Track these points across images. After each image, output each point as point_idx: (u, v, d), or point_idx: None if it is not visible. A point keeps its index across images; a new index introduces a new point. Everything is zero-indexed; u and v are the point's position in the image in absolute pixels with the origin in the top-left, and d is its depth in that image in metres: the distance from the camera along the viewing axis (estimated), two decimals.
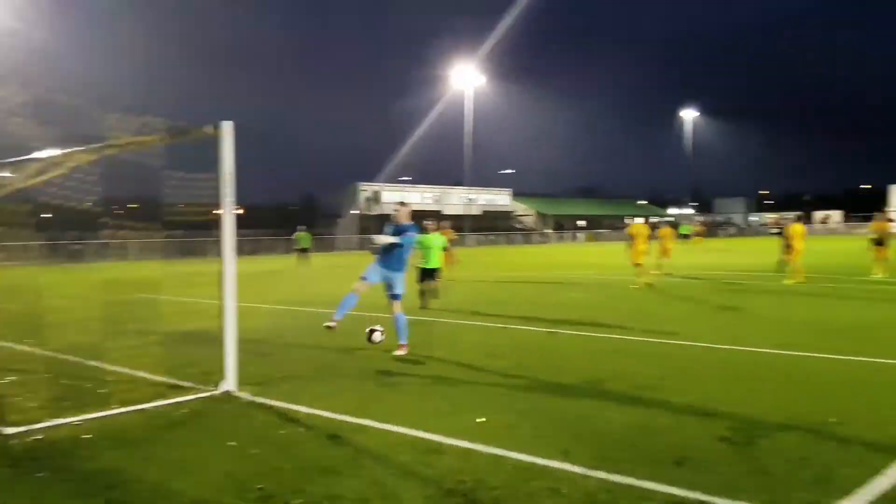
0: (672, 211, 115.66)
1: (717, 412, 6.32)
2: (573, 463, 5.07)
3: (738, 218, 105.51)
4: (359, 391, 7.55)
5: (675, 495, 4.43)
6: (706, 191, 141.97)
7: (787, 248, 19.91)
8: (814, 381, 7.55)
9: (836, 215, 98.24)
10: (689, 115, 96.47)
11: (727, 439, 5.53)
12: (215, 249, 7.83)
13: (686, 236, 52.84)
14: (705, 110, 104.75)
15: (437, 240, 15.39)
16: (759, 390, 7.17)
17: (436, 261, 15.10)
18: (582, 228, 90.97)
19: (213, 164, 7.35)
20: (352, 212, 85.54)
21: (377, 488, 4.72)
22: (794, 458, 5.06)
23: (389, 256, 9.61)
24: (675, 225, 50.52)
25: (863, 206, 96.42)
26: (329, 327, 9.56)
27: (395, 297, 9.64)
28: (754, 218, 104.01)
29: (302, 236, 37.31)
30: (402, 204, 10.23)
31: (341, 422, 6.35)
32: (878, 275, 19.68)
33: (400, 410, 6.68)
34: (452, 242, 24.14)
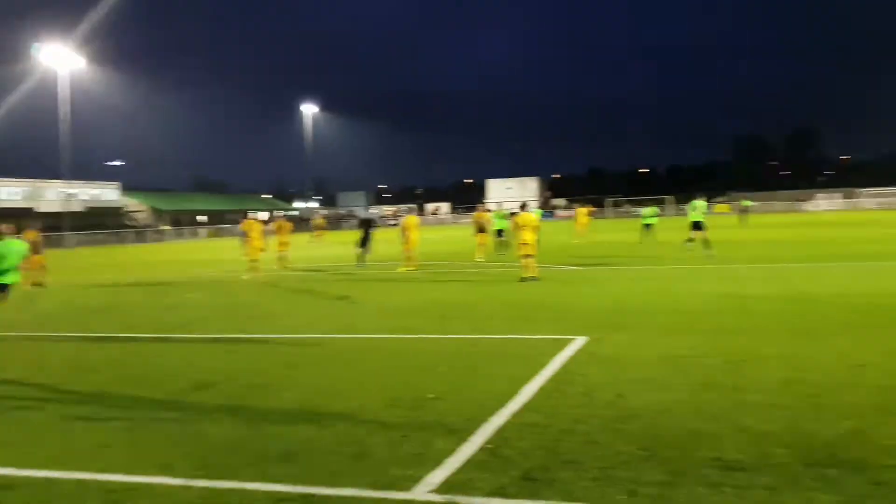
0: (298, 205, 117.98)
1: (326, 403, 6.49)
2: (174, 476, 4.80)
3: (359, 210, 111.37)
4: None
5: (278, 492, 4.43)
6: (329, 185, 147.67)
7: (404, 238, 21.68)
8: (418, 361, 8.14)
9: (444, 207, 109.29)
10: (309, 110, 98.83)
11: (333, 428, 5.71)
12: None
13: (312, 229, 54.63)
14: (326, 106, 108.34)
15: (16, 247, 11.99)
16: (369, 375, 7.54)
17: (14, 274, 11.01)
18: (203, 224, 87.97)
19: None
20: None
21: None
22: (396, 437, 5.41)
23: None
24: (296, 219, 51.65)
25: (467, 199, 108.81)
26: None
27: None
28: (374, 210, 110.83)
29: None
30: None
31: None
32: (481, 258, 22.99)
33: None
34: (36, 245, 21.61)
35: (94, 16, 71.53)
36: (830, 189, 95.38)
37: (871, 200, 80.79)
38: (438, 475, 4.57)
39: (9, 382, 8.01)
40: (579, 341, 8.66)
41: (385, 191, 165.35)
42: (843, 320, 9.56)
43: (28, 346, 10.50)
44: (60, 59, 60.49)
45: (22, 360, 9.35)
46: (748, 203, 50.99)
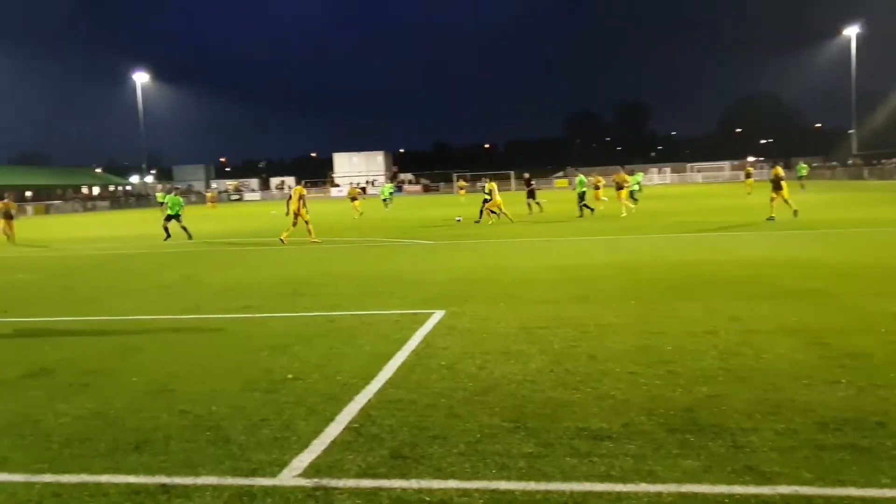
0: (133, 179, 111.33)
1: (178, 387, 6.17)
2: (13, 471, 4.41)
3: (198, 185, 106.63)
4: None
5: (133, 484, 4.16)
6: (165, 159, 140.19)
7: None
8: (271, 341, 7.86)
9: (290, 181, 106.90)
10: (140, 79, 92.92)
11: (188, 413, 5.44)
12: None
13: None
14: (157, 76, 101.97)
15: None
16: (221, 357, 7.24)
17: None
18: (29, 201, 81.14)
19: None
20: None
21: None
22: (255, 420, 5.22)
23: None
24: (133, 195, 49.03)
25: (312, 173, 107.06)
26: None
27: None
28: (215, 185, 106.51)
29: None
30: None
31: None
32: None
33: None
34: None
35: None
36: (661, 164, 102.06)
37: (698, 175, 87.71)
38: (304, 458, 4.45)
39: None
40: (437, 315, 8.76)
41: (226, 164, 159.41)
42: (686, 288, 10.22)
43: None
44: None
45: None
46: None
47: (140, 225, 37.00)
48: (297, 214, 20.33)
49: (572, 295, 9.99)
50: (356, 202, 35.22)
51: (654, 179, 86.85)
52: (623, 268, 12.64)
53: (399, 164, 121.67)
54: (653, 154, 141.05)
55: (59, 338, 8.59)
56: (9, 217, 25.97)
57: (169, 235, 23.67)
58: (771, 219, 21.29)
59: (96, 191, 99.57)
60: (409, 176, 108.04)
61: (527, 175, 32.17)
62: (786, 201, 21.98)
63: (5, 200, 26.92)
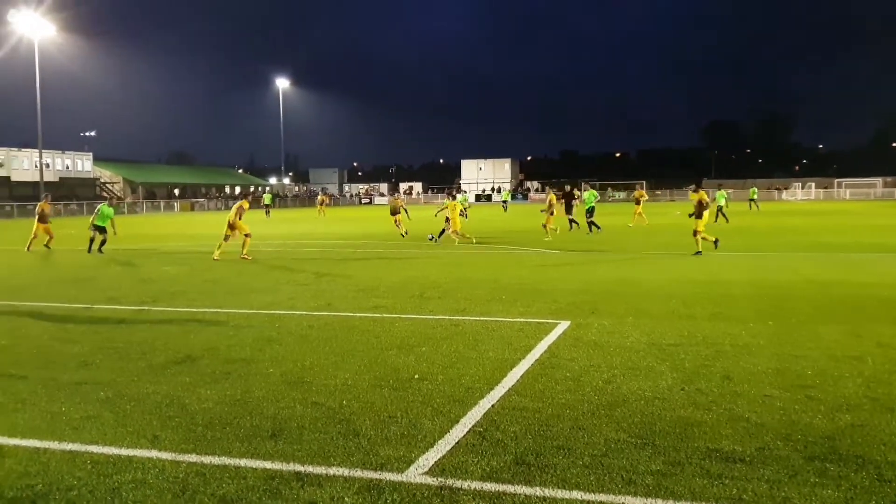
0: (272, 181, 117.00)
1: (311, 380, 6.45)
2: (162, 449, 4.75)
3: (332, 188, 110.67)
4: None
5: (270, 469, 4.39)
6: (302, 161, 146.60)
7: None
8: (398, 341, 8.08)
9: (417, 186, 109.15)
10: (282, 85, 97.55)
11: (321, 406, 5.68)
12: None
13: (268, 206, 54.89)
14: (299, 82, 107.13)
15: None
16: (351, 354, 7.50)
17: None
18: (177, 198, 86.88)
19: None
20: None
21: None
22: (383, 416, 5.38)
23: None
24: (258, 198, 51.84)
25: (439, 179, 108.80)
26: None
27: None
28: (347, 188, 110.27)
29: None
30: None
31: None
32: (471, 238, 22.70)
33: None
34: (45, 215, 22.49)
35: None
36: (806, 178, 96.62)
37: (846, 191, 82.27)
38: (430, 457, 4.55)
39: None
40: (563, 325, 8.69)
41: (358, 169, 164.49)
42: (829, 310, 9.66)
43: (10, 316, 10.31)
44: (34, 27, 58.95)
45: (4, 329, 9.19)
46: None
47: (275, 224, 38.80)
48: (231, 227, 18.70)
49: (705, 312, 9.64)
50: (398, 216, 26.90)
51: (798, 195, 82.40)
52: (759, 285, 12.07)
53: (525, 172, 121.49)
54: (796, 168, 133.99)
55: (203, 327, 9.15)
56: (44, 220, 22.90)
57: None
58: None
59: (237, 190, 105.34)
60: (534, 184, 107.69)
61: (567, 187, 30.37)
62: None
63: (43, 201, 23.65)
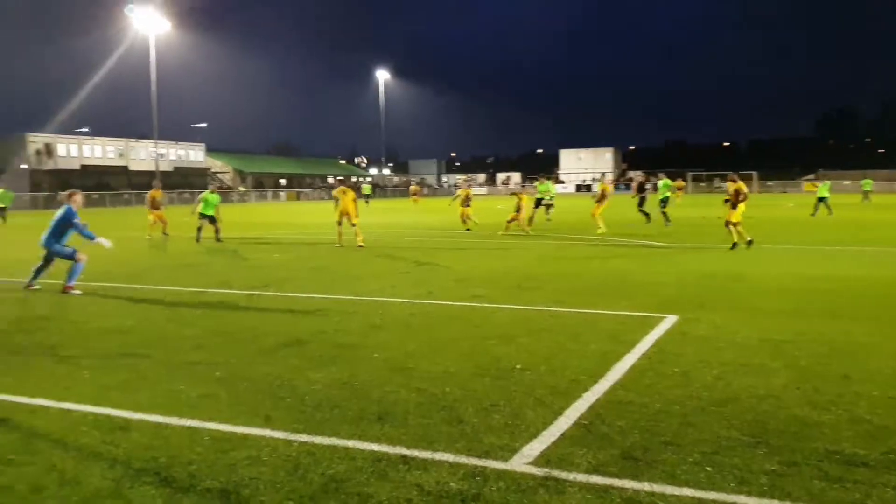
0: (371, 171, 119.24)
1: (415, 366, 6.55)
2: (275, 428, 4.93)
3: (431, 178, 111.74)
4: (30, 368, 6.69)
5: (377, 451, 4.49)
6: (401, 152, 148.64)
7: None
8: (499, 330, 8.09)
9: (515, 176, 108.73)
10: (383, 76, 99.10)
11: (424, 391, 5.75)
12: None
13: (368, 196, 55.22)
14: (399, 73, 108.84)
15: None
16: (453, 342, 7.56)
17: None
18: (283, 188, 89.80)
19: None
20: (21, 166, 75.48)
21: (55, 474, 4.20)
22: (486, 405, 5.40)
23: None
24: (356, 186, 52.39)
25: (538, 168, 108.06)
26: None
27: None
28: (445, 178, 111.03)
29: (1, 195, 34.17)
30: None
31: (11, 403, 5.59)
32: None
33: (79, 387, 6.02)
34: (157, 201, 23.51)
35: None
36: None
37: None
38: (534, 448, 4.53)
39: (120, 331, 8.39)
40: (670, 319, 8.47)
41: (455, 159, 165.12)
42: None
43: (137, 297, 10.95)
44: (150, 23, 62.04)
45: (131, 310, 9.79)
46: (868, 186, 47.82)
47: (374, 214, 39.52)
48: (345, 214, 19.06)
49: (820, 308, 9.20)
50: (468, 209, 25.54)
51: None
52: (879, 282, 11.41)
53: (628, 162, 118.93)
54: None
55: (311, 313, 9.42)
56: (156, 207, 23.36)
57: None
58: None
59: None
60: (638, 174, 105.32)
61: (639, 179, 28.92)
62: None
63: (154, 189, 23.98)
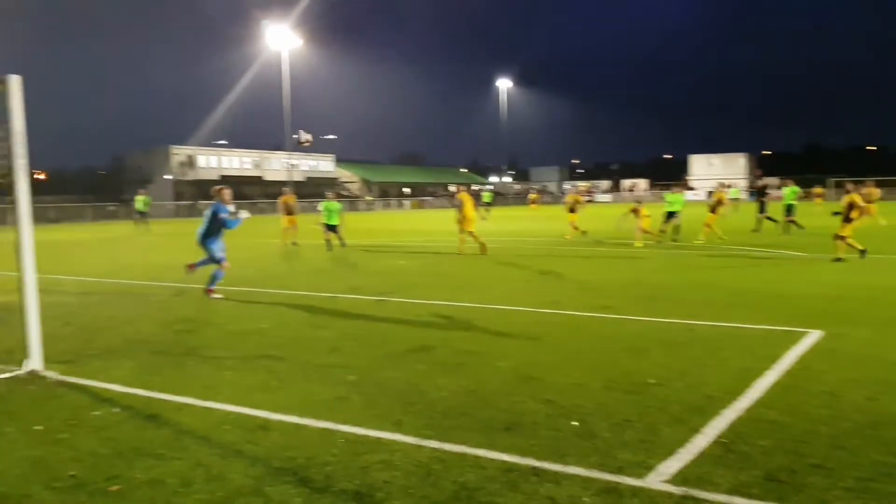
0: (492, 179, 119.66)
1: (542, 377, 6.47)
2: (406, 433, 4.99)
3: (552, 186, 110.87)
4: (177, 367, 7.10)
5: (507, 462, 4.45)
6: (523, 159, 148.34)
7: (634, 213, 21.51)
8: (632, 343, 7.87)
9: (642, 183, 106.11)
10: (504, 85, 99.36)
11: (553, 403, 5.67)
12: (11, 217, 7.04)
13: (488, 205, 54.99)
14: (521, 81, 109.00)
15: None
16: (581, 353, 7.42)
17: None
18: (407, 196, 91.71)
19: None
20: (164, 177, 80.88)
21: (201, 470, 4.42)
22: (618, 420, 5.25)
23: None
24: (477, 194, 52.34)
25: (665, 175, 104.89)
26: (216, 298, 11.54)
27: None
28: (567, 186, 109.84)
29: (141, 200, 36.75)
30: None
31: (160, 401, 5.93)
32: (701, 240, 21.66)
33: (222, 386, 6.33)
34: (291, 207, 24.48)
35: None
36: None
37: None
38: (671, 465, 4.36)
39: (258, 333, 8.79)
40: (814, 334, 7.96)
41: (578, 166, 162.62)
42: None
43: (270, 300, 11.47)
44: (282, 39, 64.92)
45: (266, 313, 10.25)
46: None
47: (495, 221, 39.57)
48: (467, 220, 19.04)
49: None
50: (574, 215, 24.88)
51: None
52: None
53: (763, 168, 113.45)
54: None
55: (437, 319, 9.53)
56: (291, 212, 24.36)
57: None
58: None
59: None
60: (774, 180, 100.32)
61: (760, 183, 26.77)
62: None
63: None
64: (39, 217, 37.06)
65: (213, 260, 11.87)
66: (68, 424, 5.34)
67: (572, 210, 25.07)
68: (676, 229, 23.48)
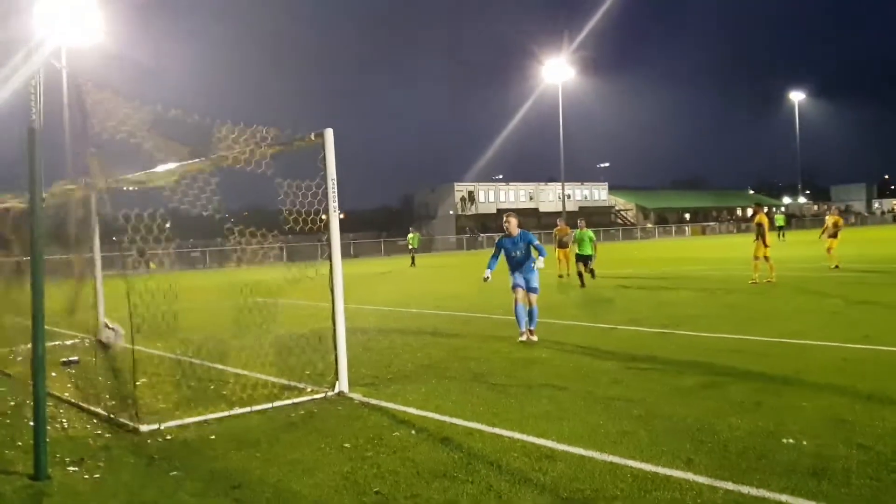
0: (786, 200, 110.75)
1: (852, 418, 5.85)
2: (697, 473, 4.80)
3: (858, 205, 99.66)
4: (466, 393, 7.51)
5: None
6: (819, 177, 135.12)
7: None
8: None
9: None
10: (796, 98, 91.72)
11: (868, 449, 5.10)
12: (321, 254, 8.03)
13: (781, 228, 50.54)
14: (813, 91, 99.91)
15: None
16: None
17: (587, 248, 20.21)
18: (687, 222, 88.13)
19: (311, 169, 7.59)
20: (448, 212, 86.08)
21: (492, 494, 4.64)
22: None
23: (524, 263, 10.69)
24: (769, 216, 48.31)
25: None
26: (523, 341, 10.48)
27: (534, 290, 10.68)
28: (877, 204, 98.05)
29: (413, 237, 39.81)
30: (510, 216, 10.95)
31: (451, 424, 6.33)
32: None
33: (508, 413, 6.57)
34: (564, 237, 24.28)
35: (586, 25, 76.95)
36: None
37: None
38: None
39: (541, 362, 9.04)
40: None
41: (890, 182, 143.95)
42: None
43: (553, 330, 11.64)
44: (558, 72, 66.16)
45: (549, 343, 10.41)
46: None
47: (792, 247, 36.42)
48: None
49: None
50: (834, 240, 22.03)
51: None
52: None
53: None
54: None
55: (728, 354, 9.00)
56: (563, 245, 23.68)
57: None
58: None
59: (749, 212, 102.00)
60: None
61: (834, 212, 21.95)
62: None
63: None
64: (343, 253, 41.49)
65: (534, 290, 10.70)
66: (372, 443, 5.89)
67: (832, 234, 22.21)
68: None
